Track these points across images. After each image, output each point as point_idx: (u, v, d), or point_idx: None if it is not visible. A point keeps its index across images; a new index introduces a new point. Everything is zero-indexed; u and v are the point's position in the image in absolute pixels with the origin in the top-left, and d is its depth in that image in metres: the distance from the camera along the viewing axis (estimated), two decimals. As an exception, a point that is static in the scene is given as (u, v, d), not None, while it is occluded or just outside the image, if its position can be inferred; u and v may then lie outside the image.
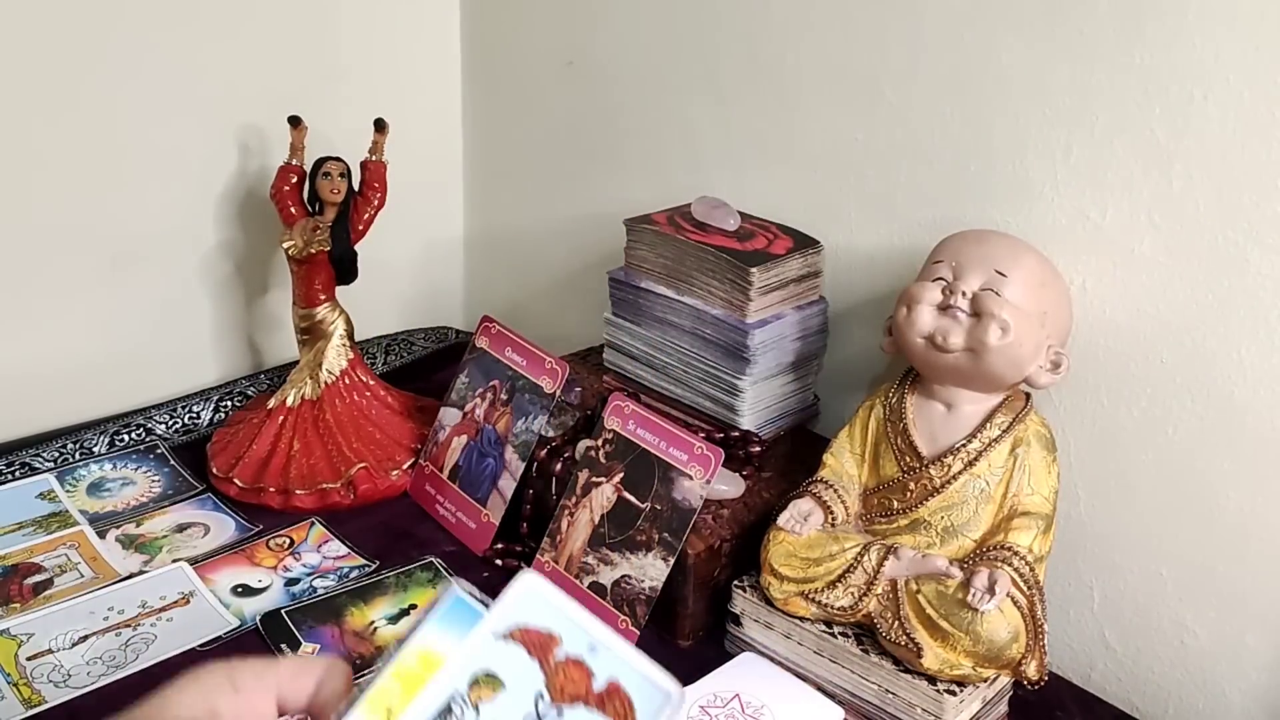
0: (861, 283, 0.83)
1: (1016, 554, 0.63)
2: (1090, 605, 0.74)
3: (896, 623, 0.63)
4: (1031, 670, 0.62)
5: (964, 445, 0.66)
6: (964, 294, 0.64)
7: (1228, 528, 0.66)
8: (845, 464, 0.71)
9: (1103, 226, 0.68)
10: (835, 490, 0.70)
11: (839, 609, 0.65)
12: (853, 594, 0.65)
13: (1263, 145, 0.61)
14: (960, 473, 0.66)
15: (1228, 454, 0.66)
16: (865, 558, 0.65)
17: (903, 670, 0.63)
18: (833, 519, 0.69)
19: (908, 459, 0.68)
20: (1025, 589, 0.62)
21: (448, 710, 0.37)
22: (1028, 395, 0.68)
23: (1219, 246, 0.63)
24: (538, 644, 0.38)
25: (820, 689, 0.66)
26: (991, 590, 0.61)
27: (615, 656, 0.38)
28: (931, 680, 0.62)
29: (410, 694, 0.36)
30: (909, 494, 0.67)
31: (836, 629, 0.66)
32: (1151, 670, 0.72)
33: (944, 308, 0.65)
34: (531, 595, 0.38)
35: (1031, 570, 0.63)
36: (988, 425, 0.66)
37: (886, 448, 0.69)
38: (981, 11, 0.72)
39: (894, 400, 0.70)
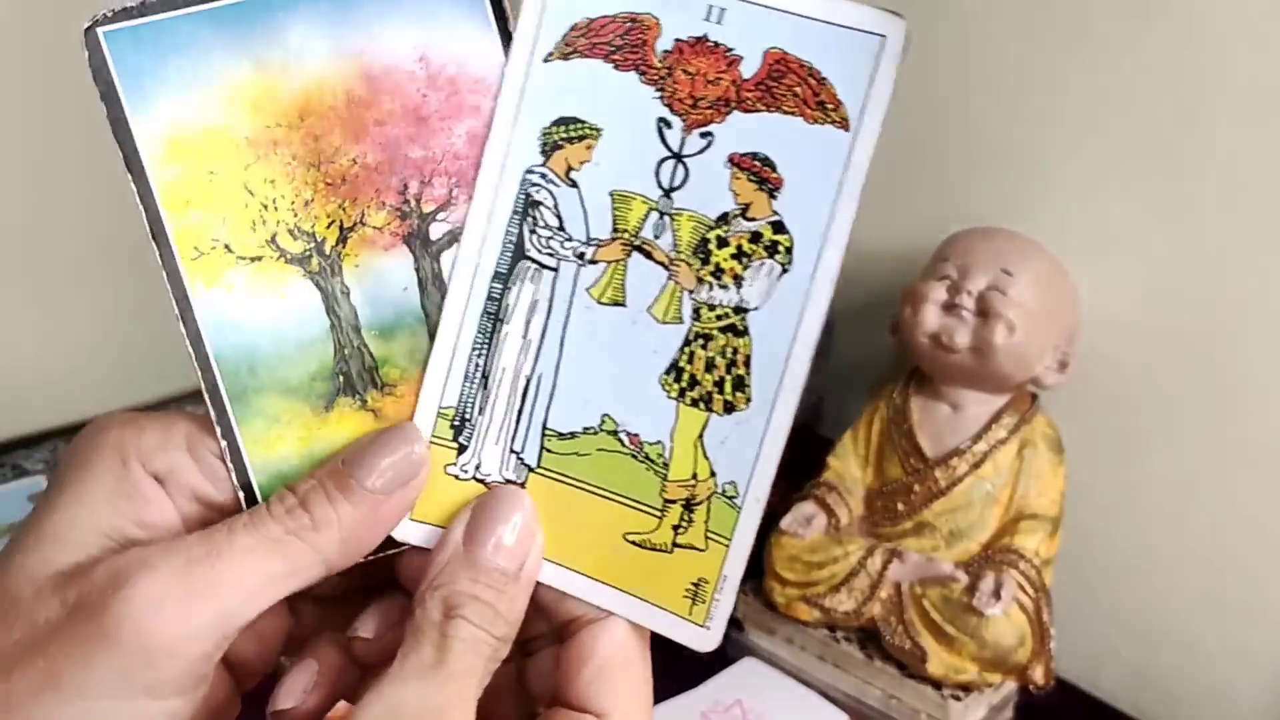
0: (866, 281, 0.82)
1: (1023, 557, 0.62)
2: (1097, 609, 0.73)
3: (901, 627, 0.62)
4: (1038, 675, 0.61)
5: (970, 447, 0.65)
6: (970, 293, 0.63)
7: (1238, 531, 0.65)
8: (849, 466, 0.70)
9: (1111, 225, 0.67)
10: (839, 493, 0.69)
11: (843, 613, 0.64)
12: (857, 598, 0.64)
13: (1273, 145, 0.60)
14: (965, 475, 0.65)
15: (1238, 457, 0.65)
16: (869, 561, 0.64)
17: (907, 675, 0.63)
18: (836, 522, 0.68)
19: (912, 460, 0.67)
20: (1032, 593, 0.61)
21: (528, 205, 0.28)
22: (1034, 396, 0.67)
23: (1229, 246, 0.63)
24: (622, 43, 0.27)
25: (823, 695, 0.65)
26: (998, 594, 0.60)
27: (760, 12, 0.26)
28: (937, 685, 0.62)
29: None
30: (913, 497, 0.66)
31: (840, 634, 0.66)
32: (1160, 676, 0.71)
33: (949, 306, 0.64)
34: None
35: (1038, 574, 0.62)
36: (994, 426, 0.65)
37: (891, 449, 0.69)
38: (988, 7, 0.71)
39: (898, 401, 0.69)
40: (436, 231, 0.29)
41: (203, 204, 0.28)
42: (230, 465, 0.29)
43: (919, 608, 0.62)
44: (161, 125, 0.27)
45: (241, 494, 0.29)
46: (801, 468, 0.76)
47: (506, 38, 0.28)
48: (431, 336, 0.29)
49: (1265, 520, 0.64)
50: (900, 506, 0.67)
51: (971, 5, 0.72)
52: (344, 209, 0.29)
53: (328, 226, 0.29)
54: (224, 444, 0.29)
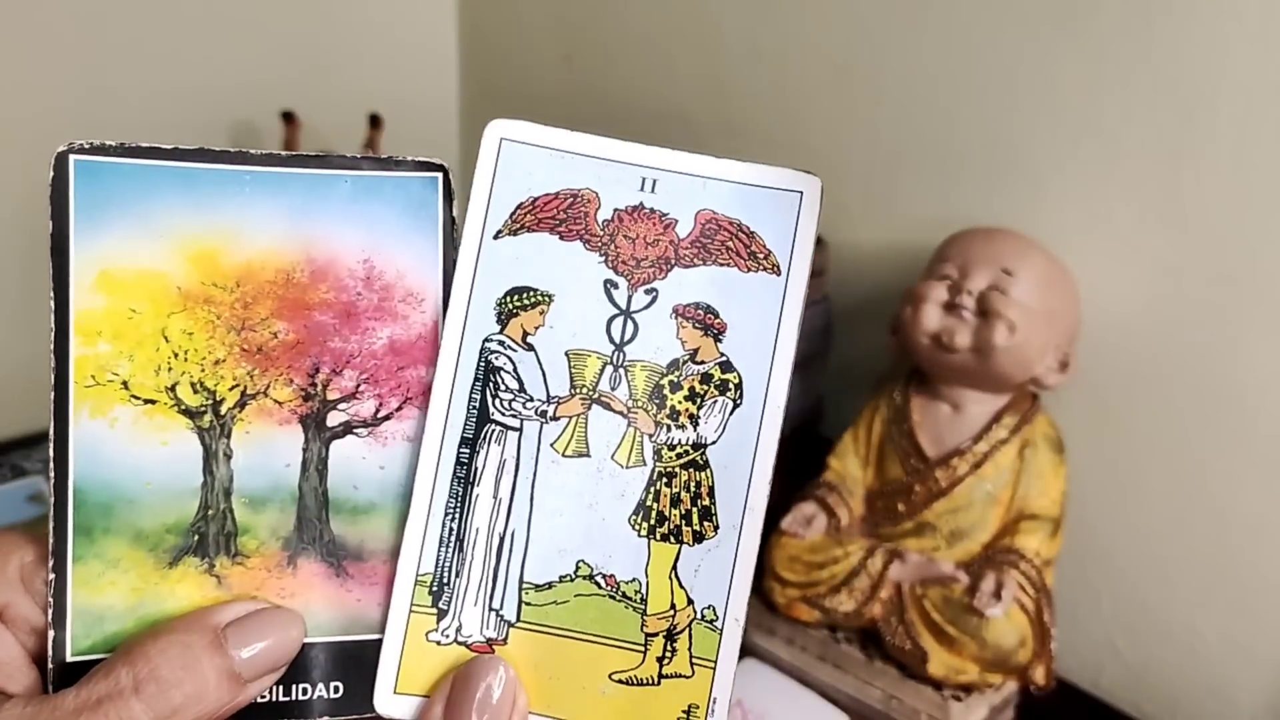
0: (866, 281, 0.82)
1: (1024, 557, 0.62)
2: (1098, 609, 0.72)
3: (901, 628, 0.62)
4: (1039, 676, 0.61)
5: (970, 447, 0.65)
6: (970, 293, 0.63)
7: (1239, 531, 0.65)
8: (849, 466, 0.70)
9: (1111, 224, 0.67)
10: (839, 493, 0.69)
11: (843, 614, 0.64)
12: (857, 598, 0.64)
13: (1274, 143, 0.60)
14: (966, 475, 0.64)
15: (1239, 456, 0.65)
16: (870, 562, 0.64)
17: (908, 676, 0.62)
18: (837, 522, 0.68)
19: (912, 461, 0.67)
20: (1033, 593, 0.61)
21: (488, 372, 0.29)
22: (1035, 396, 0.67)
23: (1229, 245, 0.62)
24: (566, 216, 0.29)
25: (824, 695, 0.65)
26: (998, 594, 0.60)
27: (688, 180, 0.29)
28: (937, 686, 0.62)
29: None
30: (914, 497, 0.66)
31: (840, 634, 0.65)
32: (1161, 675, 0.71)
33: (950, 306, 0.64)
34: (513, 148, 0.29)
35: (1039, 574, 0.62)
36: (995, 427, 0.65)
37: (891, 449, 0.68)
38: (988, 6, 0.71)
39: (899, 401, 0.69)
40: (334, 419, 0.30)
41: (114, 338, 0.29)
42: (50, 600, 0.28)
43: (919, 608, 0.62)
44: (100, 256, 0.28)
45: (51, 632, 0.28)
46: (801, 468, 0.76)
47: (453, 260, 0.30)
48: (301, 519, 0.29)
49: (1265, 520, 0.64)
50: (901, 507, 0.67)
51: (972, 5, 0.72)
52: (252, 376, 0.30)
53: (231, 388, 0.30)
54: (51, 576, 0.28)
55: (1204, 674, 0.69)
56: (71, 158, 0.28)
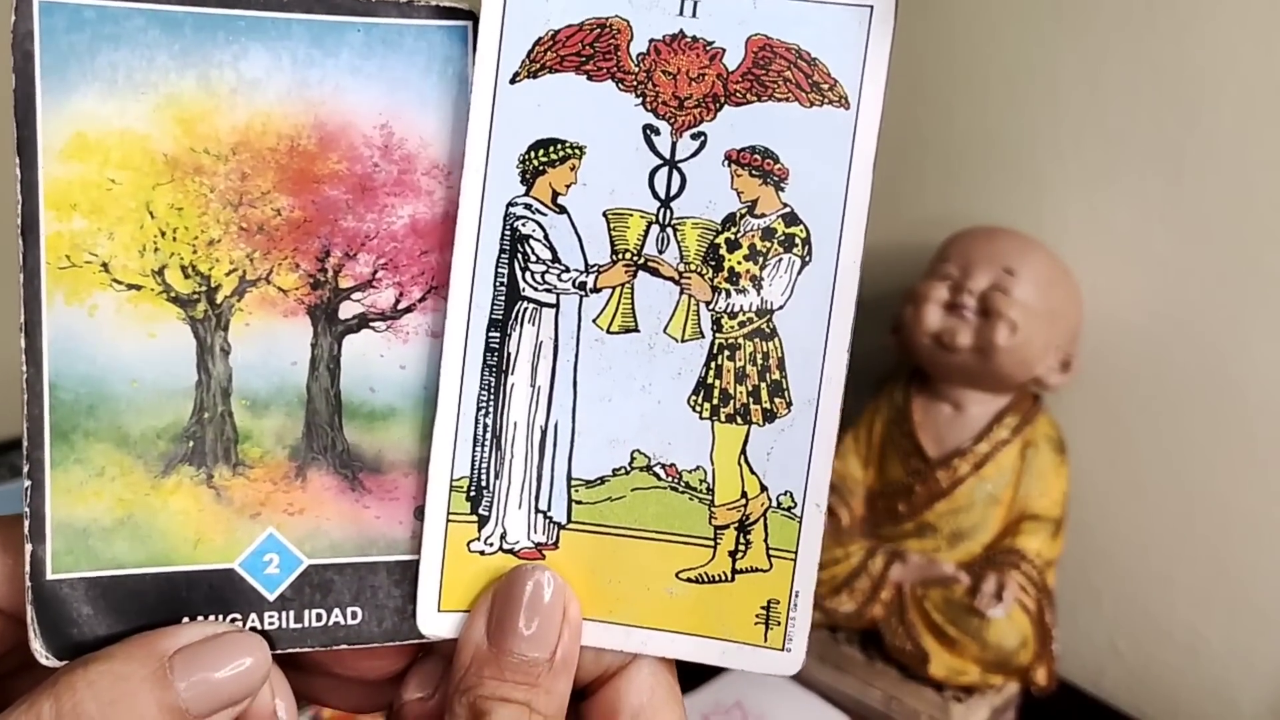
0: (867, 281, 0.81)
1: (1025, 558, 0.62)
2: (1100, 610, 0.72)
3: (902, 629, 0.62)
4: (1040, 677, 0.61)
5: (972, 448, 0.64)
6: (972, 292, 0.63)
7: (1240, 532, 0.65)
8: (850, 467, 0.70)
9: (1113, 224, 0.67)
10: (840, 494, 0.68)
11: (844, 615, 0.64)
12: (858, 599, 0.64)
13: (1275, 142, 0.59)
14: (967, 476, 0.64)
15: (1240, 456, 0.64)
16: (871, 563, 0.64)
17: (909, 677, 0.62)
18: (837, 523, 0.68)
19: (913, 461, 0.66)
20: (1034, 594, 0.61)
21: (515, 241, 0.25)
22: (1037, 396, 0.67)
23: (1231, 245, 0.62)
24: (593, 52, 0.25)
25: (824, 696, 0.65)
26: (999, 595, 0.60)
27: (737, 1, 0.24)
28: (938, 687, 0.61)
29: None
30: (915, 497, 0.66)
31: (841, 635, 0.65)
32: (1162, 677, 0.70)
33: (951, 306, 0.64)
34: None
35: (1040, 575, 0.62)
36: (996, 427, 0.65)
37: (892, 450, 0.68)
38: (989, 6, 0.71)
39: (900, 401, 0.69)
40: (346, 311, 0.26)
41: (91, 212, 0.25)
42: (27, 510, 0.25)
43: (920, 609, 0.62)
44: (72, 116, 0.24)
45: (28, 547, 0.25)
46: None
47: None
48: (310, 425, 0.26)
49: (1267, 522, 0.64)
50: (901, 507, 0.66)
51: (973, 5, 0.71)
52: (251, 259, 0.26)
53: (227, 273, 0.26)
54: (27, 484, 0.25)
55: (1205, 675, 0.68)
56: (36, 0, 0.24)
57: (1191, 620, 0.68)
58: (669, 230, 0.26)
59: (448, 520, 0.26)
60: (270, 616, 0.26)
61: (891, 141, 0.26)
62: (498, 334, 0.26)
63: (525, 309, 0.26)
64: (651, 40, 0.25)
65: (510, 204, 0.26)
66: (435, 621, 0.26)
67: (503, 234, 0.26)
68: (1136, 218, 0.66)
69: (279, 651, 0.26)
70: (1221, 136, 0.61)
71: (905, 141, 0.77)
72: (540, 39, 0.25)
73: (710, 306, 0.26)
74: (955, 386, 0.66)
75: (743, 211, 0.26)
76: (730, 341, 0.26)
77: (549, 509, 0.27)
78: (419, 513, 0.27)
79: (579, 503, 0.27)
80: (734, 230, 0.26)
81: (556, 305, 0.26)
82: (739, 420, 0.26)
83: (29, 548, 0.25)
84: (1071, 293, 0.66)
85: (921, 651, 0.61)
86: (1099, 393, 0.70)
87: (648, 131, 0.25)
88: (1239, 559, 0.66)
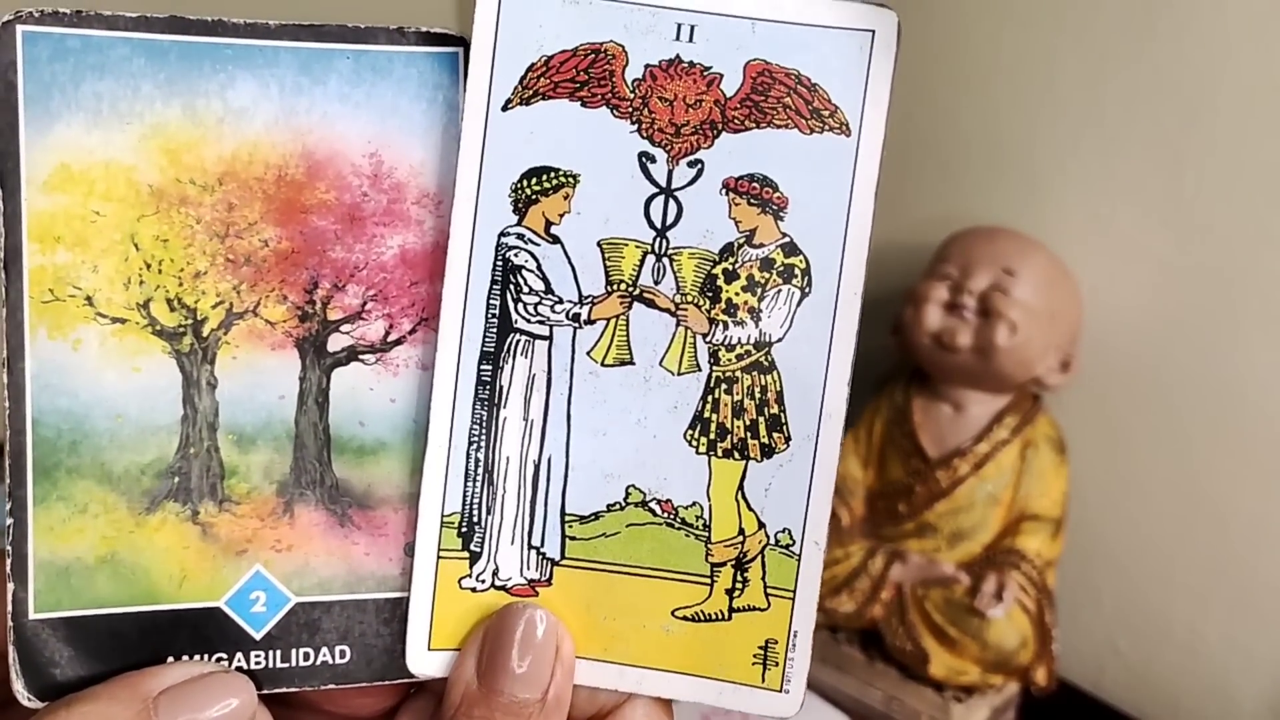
0: (866, 281, 0.81)
1: (1025, 558, 0.62)
2: (1100, 610, 0.72)
3: (902, 629, 0.62)
4: (1040, 676, 0.61)
5: (972, 448, 0.64)
6: (971, 292, 0.63)
7: (1240, 531, 0.65)
8: (850, 467, 0.70)
9: (1113, 224, 0.67)
10: (840, 494, 0.68)
11: (844, 615, 0.64)
12: (858, 599, 0.64)
13: (1275, 142, 0.59)
14: (967, 476, 0.64)
15: (1240, 456, 0.64)
16: (871, 563, 0.64)
17: (909, 677, 0.62)
18: (837, 523, 0.68)
19: (913, 461, 0.66)
20: (1034, 594, 0.61)
21: (508, 271, 0.25)
22: (1037, 396, 0.66)
23: (1231, 245, 0.62)
24: (587, 78, 0.24)
25: (824, 697, 0.65)
26: (999, 595, 0.60)
27: (733, 23, 0.23)
28: (938, 687, 0.61)
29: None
30: (915, 497, 0.66)
31: (841, 635, 0.65)
32: (1162, 676, 0.70)
33: (951, 306, 0.64)
34: None
35: (1040, 575, 0.62)
36: (996, 427, 0.65)
37: (892, 450, 0.68)
38: (989, 6, 0.70)
39: (900, 401, 0.69)
40: (335, 344, 0.26)
41: (75, 245, 0.24)
42: (9, 549, 0.24)
43: (921, 609, 0.62)
44: (56, 147, 0.24)
45: (10, 586, 0.24)
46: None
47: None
48: (298, 460, 0.26)
49: (1266, 520, 0.64)
50: (901, 507, 0.66)
51: (973, 5, 0.71)
52: (238, 291, 0.25)
53: (214, 306, 0.25)
54: (9, 522, 0.24)
55: (1205, 675, 0.68)
56: (19, 29, 0.24)
57: (1191, 619, 0.68)
58: (665, 260, 0.25)
59: (438, 557, 0.26)
60: (257, 656, 0.26)
61: (892, 142, 0.26)
62: (489, 367, 0.26)
63: (518, 341, 0.26)
64: (647, 66, 0.24)
65: (502, 234, 0.25)
66: (425, 660, 0.26)
67: (494, 264, 0.25)
68: (1136, 217, 0.66)
69: (265, 692, 0.26)
70: (1221, 137, 0.61)
71: (905, 141, 0.77)
72: (533, 65, 0.25)
73: (707, 339, 0.26)
74: (955, 387, 0.66)
75: (741, 241, 0.25)
76: (728, 375, 0.26)
77: (542, 545, 0.26)
78: (409, 549, 0.26)
79: (573, 539, 0.26)
80: (732, 260, 0.25)
81: (550, 337, 0.26)
82: (736, 455, 0.26)
83: (11, 587, 0.24)
84: (1071, 293, 0.66)
85: (922, 651, 0.61)
86: (1099, 393, 0.70)
87: (643, 159, 0.25)
88: (1239, 559, 0.66)
